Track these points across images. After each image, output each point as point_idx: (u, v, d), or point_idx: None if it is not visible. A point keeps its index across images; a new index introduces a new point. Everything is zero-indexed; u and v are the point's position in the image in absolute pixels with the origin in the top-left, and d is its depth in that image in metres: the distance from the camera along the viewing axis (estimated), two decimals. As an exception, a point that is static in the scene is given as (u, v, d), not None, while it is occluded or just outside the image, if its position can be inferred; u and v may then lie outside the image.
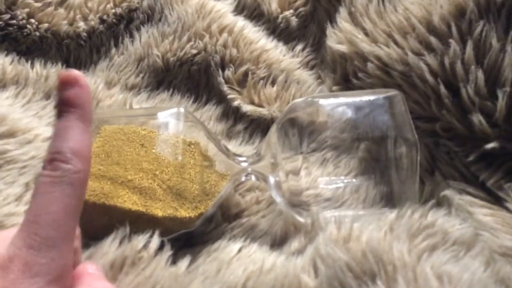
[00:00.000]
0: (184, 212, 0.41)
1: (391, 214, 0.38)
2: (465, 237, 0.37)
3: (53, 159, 0.30)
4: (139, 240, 0.37)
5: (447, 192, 0.42)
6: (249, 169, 0.44)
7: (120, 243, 0.37)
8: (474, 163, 0.42)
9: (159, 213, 0.40)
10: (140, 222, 0.39)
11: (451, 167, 0.43)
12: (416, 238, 0.36)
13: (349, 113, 0.44)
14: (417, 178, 0.41)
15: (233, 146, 0.52)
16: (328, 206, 0.44)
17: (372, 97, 0.43)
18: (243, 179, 0.44)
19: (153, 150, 0.41)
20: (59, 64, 0.57)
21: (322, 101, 0.44)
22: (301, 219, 0.42)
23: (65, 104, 0.32)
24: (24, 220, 0.29)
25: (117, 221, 0.39)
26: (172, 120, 0.43)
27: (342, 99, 0.44)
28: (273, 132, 0.43)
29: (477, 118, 0.40)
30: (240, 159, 0.44)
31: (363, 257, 0.34)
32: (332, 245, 0.35)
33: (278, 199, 0.42)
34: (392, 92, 0.43)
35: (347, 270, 0.34)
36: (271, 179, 0.42)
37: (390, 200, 0.44)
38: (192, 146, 0.43)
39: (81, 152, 0.31)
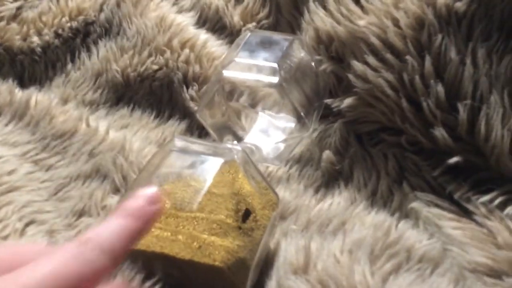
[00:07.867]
0: None
1: (353, 234, 0.38)
2: (432, 254, 0.36)
3: (89, 239, 0.27)
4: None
5: (415, 205, 0.41)
6: None
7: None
8: (440, 176, 0.41)
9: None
10: None
11: (419, 178, 0.43)
12: (378, 259, 0.35)
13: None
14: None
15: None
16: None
17: None
18: None
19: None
20: (10, 81, 0.55)
21: None
22: None
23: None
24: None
25: None
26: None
27: None
28: None
29: (440, 132, 0.40)
30: None
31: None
32: (293, 277, 0.35)
33: None
34: None
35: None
36: None
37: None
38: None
39: (118, 256, 0.28)
